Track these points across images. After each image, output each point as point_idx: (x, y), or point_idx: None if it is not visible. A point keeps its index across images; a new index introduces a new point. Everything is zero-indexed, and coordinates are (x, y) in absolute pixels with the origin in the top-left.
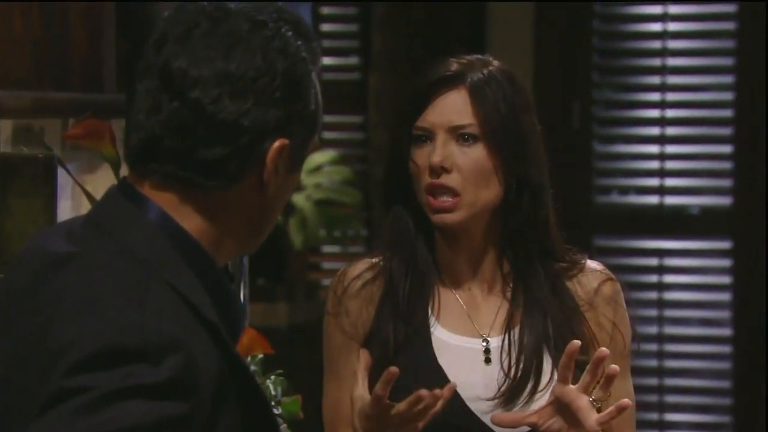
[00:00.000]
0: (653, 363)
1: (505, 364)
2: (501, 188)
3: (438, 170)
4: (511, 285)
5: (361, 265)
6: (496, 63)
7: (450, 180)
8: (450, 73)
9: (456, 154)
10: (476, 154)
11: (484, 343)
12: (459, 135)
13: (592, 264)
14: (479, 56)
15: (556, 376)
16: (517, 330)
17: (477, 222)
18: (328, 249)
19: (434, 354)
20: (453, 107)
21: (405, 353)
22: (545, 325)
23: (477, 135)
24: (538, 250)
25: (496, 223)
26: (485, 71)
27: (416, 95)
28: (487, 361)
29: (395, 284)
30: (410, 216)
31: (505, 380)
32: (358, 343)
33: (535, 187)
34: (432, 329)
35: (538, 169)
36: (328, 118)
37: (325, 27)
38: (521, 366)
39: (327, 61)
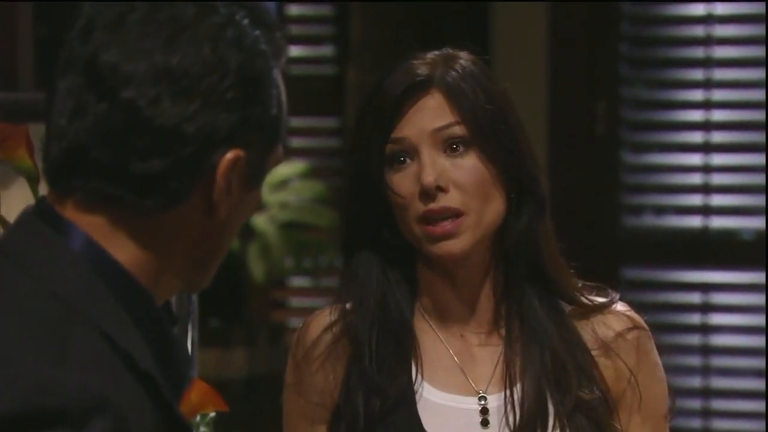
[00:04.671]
0: (697, 423)
1: (506, 426)
2: (503, 200)
3: (433, 192)
4: (512, 326)
5: (323, 318)
6: (464, 55)
7: (451, 200)
8: (419, 78)
9: (449, 168)
10: (471, 163)
11: (482, 402)
12: (446, 144)
13: (616, 306)
14: (439, 51)
15: (558, 423)
16: (519, 384)
17: (479, 247)
18: (296, 282)
19: (419, 419)
20: (429, 111)
21: (385, 421)
22: (543, 360)
23: (467, 139)
24: (535, 278)
25: (495, 248)
26: (456, 66)
27: (381, 111)
28: (485, 423)
29: (361, 346)
30: (381, 255)
31: None
32: (324, 424)
33: (538, 192)
34: (417, 389)
35: (538, 171)
36: (295, 122)
37: (293, 10)
38: (523, 421)
39: (295, 51)
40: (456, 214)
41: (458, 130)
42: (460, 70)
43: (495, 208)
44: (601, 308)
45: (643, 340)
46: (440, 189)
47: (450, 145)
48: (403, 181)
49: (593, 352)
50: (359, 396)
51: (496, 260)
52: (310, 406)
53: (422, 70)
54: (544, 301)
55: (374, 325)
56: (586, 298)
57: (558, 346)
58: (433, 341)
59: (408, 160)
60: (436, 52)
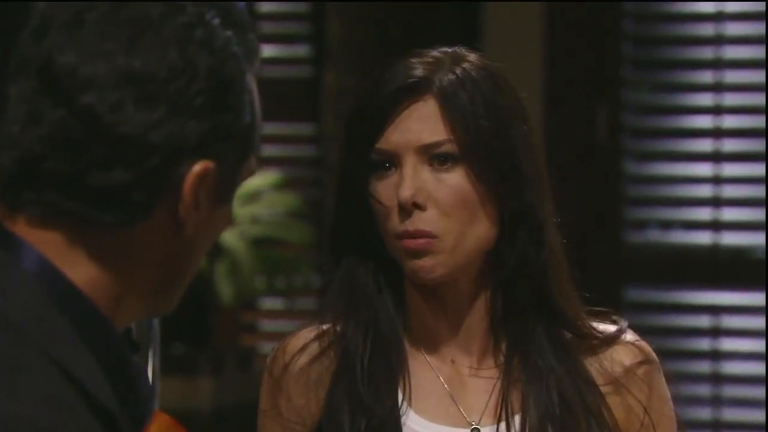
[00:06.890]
0: None
1: None
2: (492, 224)
3: (408, 208)
4: (510, 355)
5: (304, 336)
6: (471, 57)
7: (426, 222)
8: (412, 79)
9: (431, 183)
10: (456, 180)
11: None
12: (433, 157)
13: (624, 335)
14: (447, 50)
15: None
16: (518, 417)
17: (467, 271)
18: (268, 304)
19: None
20: (419, 121)
21: None
22: (549, 401)
23: (455, 155)
24: (537, 308)
25: (490, 272)
26: (457, 70)
27: (371, 111)
28: None
29: (351, 358)
30: (371, 267)
31: None
32: None
33: (534, 219)
34: (403, 417)
35: (537, 195)
36: (267, 129)
37: (265, 6)
38: None
39: (267, 51)
40: (430, 236)
41: (448, 146)
42: (461, 75)
43: (479, 231)
44: (611, 341)
45: (655, 374)
46: (417, 206)
47: (437, 158)
48: (385, 190)
49: (602, 389)
50: (345, 413)
51: (493, 285)
52: (289, 426)
53: (419, 71)
54: (548, 332)
55: (367, 337)
56: (595, 330)
57: (565, 386)
58: (422, 366)
59: (392, 168)
60: (445, 50)
